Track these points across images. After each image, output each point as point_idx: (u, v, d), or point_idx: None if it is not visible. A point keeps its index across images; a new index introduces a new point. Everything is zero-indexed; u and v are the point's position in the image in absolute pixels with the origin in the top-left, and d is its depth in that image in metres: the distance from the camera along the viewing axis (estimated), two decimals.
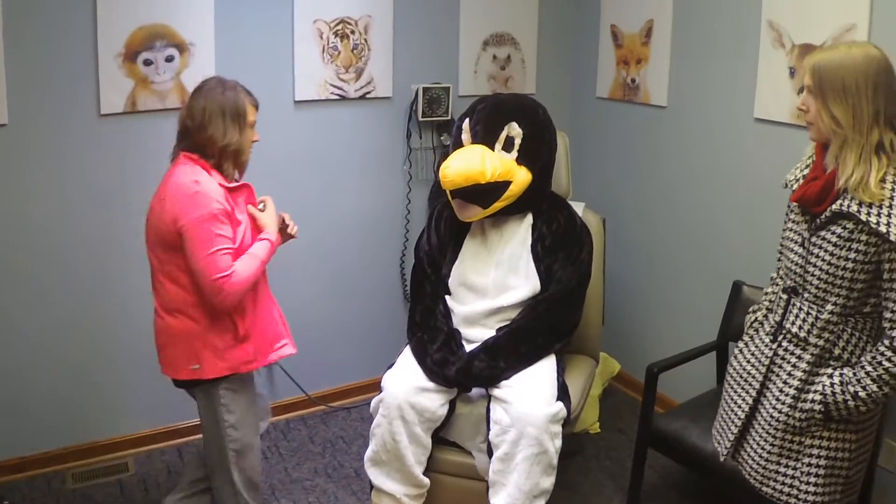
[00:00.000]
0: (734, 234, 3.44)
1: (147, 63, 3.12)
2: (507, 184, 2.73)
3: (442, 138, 3.86)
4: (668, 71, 3.66)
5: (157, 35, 3.12)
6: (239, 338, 2.48)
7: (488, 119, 2.79)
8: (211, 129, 2.40)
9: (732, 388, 2.30)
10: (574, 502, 3.20)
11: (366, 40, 3.56)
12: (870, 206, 1.91)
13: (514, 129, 2.77)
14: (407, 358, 2.82)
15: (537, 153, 2.82)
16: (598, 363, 3.23)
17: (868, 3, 2.78)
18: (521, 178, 2.77)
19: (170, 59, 3.16)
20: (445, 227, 2.98)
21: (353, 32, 3.52)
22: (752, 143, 3.30)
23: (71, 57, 3.02)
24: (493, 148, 2.76)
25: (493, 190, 2.71)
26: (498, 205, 2.76)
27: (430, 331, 2.82)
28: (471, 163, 2.67)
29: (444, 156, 2.84)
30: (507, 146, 2.77)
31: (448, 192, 2.76)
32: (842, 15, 2.87)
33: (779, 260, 2.33)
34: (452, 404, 2.73)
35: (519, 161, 2.77)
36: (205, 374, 2.45)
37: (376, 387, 2.81)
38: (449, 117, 3.77)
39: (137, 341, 3.33)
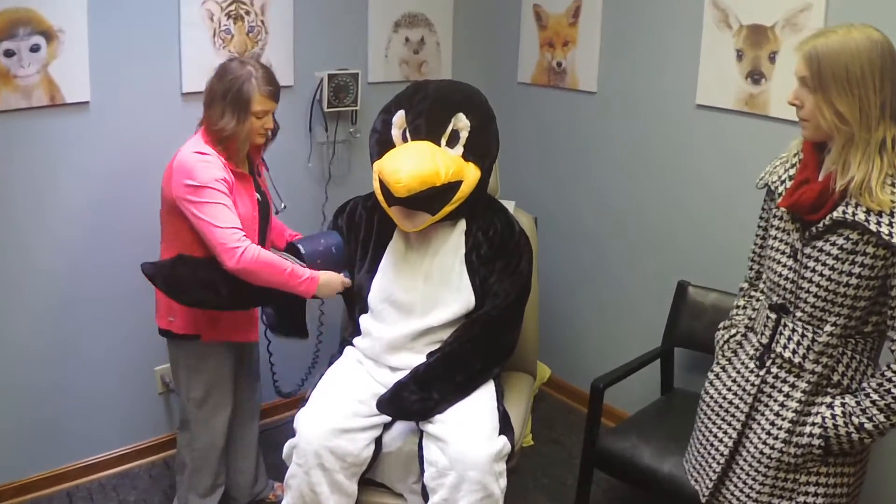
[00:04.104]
0: (677, 230, 3.24)
1: (8, 54, 2.70)
2: (458, 184, 2.42)
3: (351, 131, 3.53)
4: (599, 54, 3.44)
5: (19, 21, 2.69)
6: (209, 313, 2.56)
7: (432, 111, 2.46)
8: (210, 111, 2.47)
9: (711, 419, 2.03)
10: None
11: (263, 22, 3.20)
12: (879, 214, 1.65)
13: (461, 122, 2.46)
14: (321, 393, 2.46)
15: (487, 147, 2.53)
16: (535, 379, 2.95)
17: None
18: (472, 176, 2.47)
19: (35, 48, 2.74)
20: (361, 232, 2.65)
21: (248, 13, 3.16)
22: (693, 132, 3.12)
23: None
24: (438, 144, 2.45)
25: (444, 192, 2.39)
26: (447, 209, 2.44)
27: None
28: (424, 163, 2.33)
29: (380, 153, 2.51)
30: (452, 141, 2.46)
31: (385, 199, 2.43)
32: None
33: (751, 268, 2.10)
34: (378, 442, 2.39)
35: (467, 157, 2.47)
36: (174, 328, 2.59)
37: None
38: (358, 107, 3.46)
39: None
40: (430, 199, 2.38)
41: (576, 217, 3.70)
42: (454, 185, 2.41)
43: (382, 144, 2.53)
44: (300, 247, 2.60)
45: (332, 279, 2.57)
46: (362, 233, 2.66)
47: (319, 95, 3.38)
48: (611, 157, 3.48)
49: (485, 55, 3.98)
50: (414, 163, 2.32)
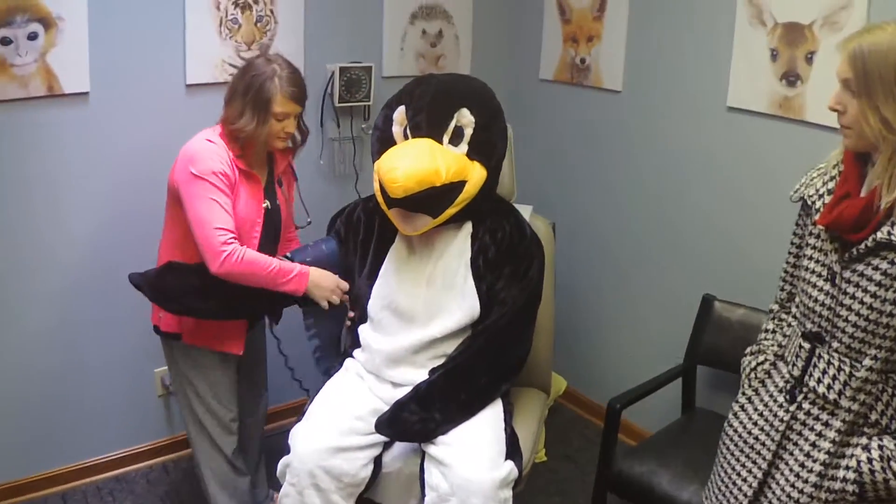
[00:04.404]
0: (704, 240, 3.07)
1: (5, 42, 2.59)
2: (461, 184, 2.26)
3: (363, 127, 3.40)
4: (625, 50, 3.27)
5: (17, 7, 2.58)
6: None
7: (433, 106, 2.30)
8: (229, 108, 2.36)
9: (734, 455, 1.86)
10: None
11: (272, 11, 3.06)
12: None
13: (465, 118, 2.30)
14: (318, 408, 2.32)
15: (493, 145, 2.36)
16: (549, 395, 2.78)
17: None
18: (477, 176, 2.30)
19: (33, 36, 2.63)
20: (360, 234, 2.51)
21: (256, 2, 3.01)
22: (723, 136, 2.94)
23: None
24: (440, 142, 2.29)
25: (446, 193, 2.24)
26: (450, 211, 2.29)
27: None
28: (422, 161, 2.18)
29: (380, 152, 2.36)
30: (455, 138, 2.30)
31: (384, 200, 2.27)
32: None
33: (782, 289, 1.93)
34: (378, 461, 2.25)
35: (471, 155, 2.30)
36: (161, 325, 2.50)
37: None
38: (371, 102, 3.33)
39: None
40: (431, 200, 2.23)
41: (596, 223, 3.54)
42: (456, 186, 2.26)
43: (383, 142, 2.38)
44: (288, 254, 2.49)
45: (323, 277, 2.43)
46: (361, 234, 2.51)
47: (330, 89, 3.25)
48: (635, 160, 3.31)
49: (505, 50, 3.83)
50: (411, 161, 2.17)
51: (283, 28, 3.11)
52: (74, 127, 2.80)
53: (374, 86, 3.31)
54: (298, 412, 2.54)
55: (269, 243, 2.52)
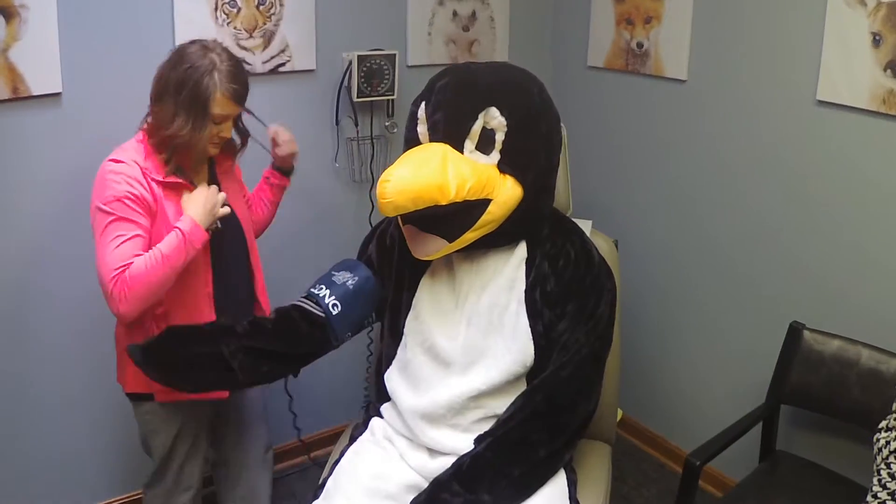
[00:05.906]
0: (790, 258, 2.75)
1: None
2: (484, 203, 1.86)
3: (387, 125, 3.11)
4: (690, 32, 2.96)
5: None
6: None
7: (453, 103, 1.90)
8: (159, 108, 2.06)
9: None
10: None
11: None
12: None
13: (494, 119, 1.88)
14: (338, 486, 1.94)
15: (530, 155, 1.94)
16: (612, 446, 2.44)
17: None
18: (507, 193, 1.89)
19: None
20: (395, 254, 2.12)
21: None
22: (813, 135, 2.63)
23: None
24: (461, 148, 1.88)
25: (460, 214, 1.84)
26: (469, 236, 1.88)
27: None
28: (423, 174, 1.78)
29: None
30: (485, 145, 1.89)
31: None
32: None
33: None
34: None
35: (502, 168, 1.89)
36: (126, 386, 2.23)
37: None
38: (395, 95, 3.04)
39: None
40: (443, 220, 1.85)
41: (662, 238, 3.24)
42: (477, 206, 1.86)
43: (409, 143, 2.01)
44: (314, 290, 2.06)
45: (196, 195, 2.08)
46: (395, 256, 2.12)
47: (347, 82, 2.98)
48: (705, 163, 3.00)
49: (548, 33, 3.62)
50: (409, 173, 1.78)
51: (289, 11, 2.85)
52: (45, 134, 2.55)
53: (399, 77, 3.04)
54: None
55: (240, 261, 2.28)
